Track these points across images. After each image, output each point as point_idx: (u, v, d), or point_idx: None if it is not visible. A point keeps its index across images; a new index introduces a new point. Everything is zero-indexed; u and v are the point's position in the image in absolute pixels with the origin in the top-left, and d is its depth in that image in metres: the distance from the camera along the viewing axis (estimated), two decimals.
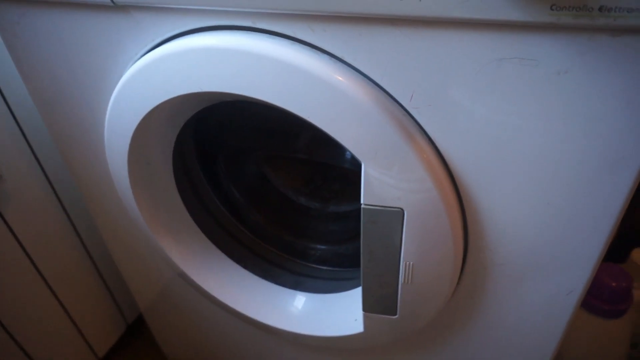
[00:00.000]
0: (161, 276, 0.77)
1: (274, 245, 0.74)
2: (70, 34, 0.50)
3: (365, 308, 0.55)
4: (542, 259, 0.45)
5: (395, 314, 0.53)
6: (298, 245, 0.75)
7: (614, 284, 0.68)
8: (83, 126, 0.59)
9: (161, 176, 0.61)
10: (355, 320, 0.60)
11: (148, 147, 0.56)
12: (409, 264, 0.47)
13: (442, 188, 0.43)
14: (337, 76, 0.40)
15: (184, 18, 0.44)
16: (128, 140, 0.54)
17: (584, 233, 0.42)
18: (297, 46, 0.41)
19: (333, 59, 0.41)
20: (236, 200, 0.74)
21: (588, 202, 0.40)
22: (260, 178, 0.75)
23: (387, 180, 0.43)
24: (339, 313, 0.63)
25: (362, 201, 0.46)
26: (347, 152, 0.70)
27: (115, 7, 0.45)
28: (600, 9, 0.30)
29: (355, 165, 0.68)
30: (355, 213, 0.73)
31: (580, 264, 0.44)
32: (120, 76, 0.51)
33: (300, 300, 0.67)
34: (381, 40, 0.38)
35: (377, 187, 0.44)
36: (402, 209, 0.43)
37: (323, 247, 0.74)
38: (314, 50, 0.41)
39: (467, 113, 0.39)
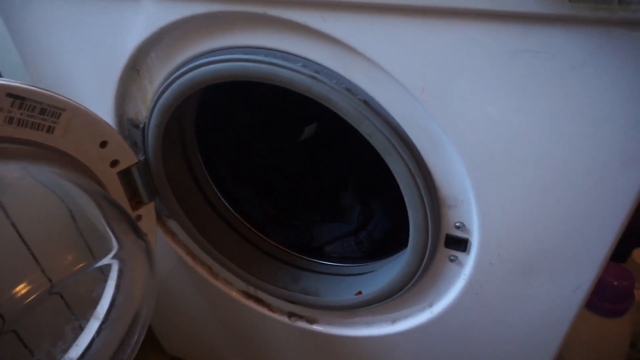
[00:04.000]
0: (160, 269, 0.76)
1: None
2: (75, 19, 0.50)
3: None
4: (550, 255, 0.45)
5: None
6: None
7: (616, 283, 0.68)
8: None
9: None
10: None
11: None
12: None
13: None
14: None
15: (191, 4, 0.43)
16: None
17: (593, 229, 0.42)
18: None
19: None
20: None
21: (598, 198, 0.40)
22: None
23: None
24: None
25: None
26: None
27: None
28: (619, 2, 0.30)
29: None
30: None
31: (588, 260, 0.44)
32: (123, 62, 0.50)
33: None
34: (393, 31, 0.37)
35: None
36: None
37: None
38: None
39: (478, 106, 0.39)
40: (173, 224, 0.69)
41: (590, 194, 0.40)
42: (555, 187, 0.41)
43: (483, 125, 0.40)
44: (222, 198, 0.71)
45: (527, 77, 0.36)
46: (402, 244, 0.63)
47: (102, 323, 0.56)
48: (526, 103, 0.37)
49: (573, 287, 0.46)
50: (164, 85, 0.51)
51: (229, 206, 0.72)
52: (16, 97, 0.43)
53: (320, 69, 0.44)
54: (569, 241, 0.43)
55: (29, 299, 0.58)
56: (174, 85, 0.50)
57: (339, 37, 0.40)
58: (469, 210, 0.47)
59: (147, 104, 0.55)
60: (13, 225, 0.61)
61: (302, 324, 0.69)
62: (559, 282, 0.47)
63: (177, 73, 0.49)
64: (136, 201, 0.62)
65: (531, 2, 0.32)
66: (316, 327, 0.68)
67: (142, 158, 0.59)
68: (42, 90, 0.45)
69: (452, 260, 0.52)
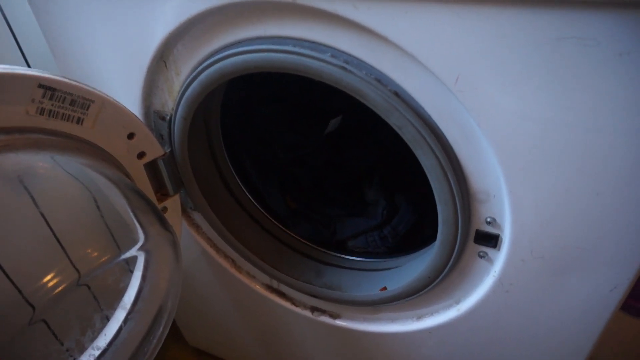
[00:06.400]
0: (184, 262, 0.77)
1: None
2: (104, 10, 0.50)
3: None
4: (587, 252, 0.43)
5: None
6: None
7: None
8: None
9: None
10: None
11: None
12: None
13: None
14: None
15: None
16: None
17: (634, 225, 0.40)
18: None
19: None
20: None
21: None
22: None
23: None
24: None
25: None
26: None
27: None
28: None
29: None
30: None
31: (627, 258, 0.42)
32: (151, 53, 0.50)
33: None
34: (429, 19, 0.36)
35: None
36: None
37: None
38: None
39: (515, 97, 0.37)
40: (197, 217, 0.69)
41: (631, 190, 0.38)
42: (595, 182, 0.39)
43: (519, 117, 0.38)
44: (246, 191, 0.71)
45: (568, 66, 0.35)
46: (425, 239, 0.62)
47: (129, 313, 0.57)
48: (566, 93, 0.36)
49: (610, 286, 0.44)
50: (190, 77, 0.51)
51: (252, 199, 0.72)
52: (47, 88, 0.44)
53: (349, 59, 0.43)
54: (607, 238, 0.42)
55: (58, 289, 0.59)
56: (201, 77, 0.49)
57: (371, 26, 0.39)
58: (501, 205, 0.45)
59: (173, 96, 0.55)
60: (42, 215, 0.62)
61: (325, 319, 0.69)
62: (596, 281, 0.45)
63: (205, 64, 0.49)
64: (162, 193, 0.62)
65: None
66: (339, 322, 0.68)
67: (168, 150, 0.59)
68: (73, 82, 0.45)
69: (481, 257, 0.50)
